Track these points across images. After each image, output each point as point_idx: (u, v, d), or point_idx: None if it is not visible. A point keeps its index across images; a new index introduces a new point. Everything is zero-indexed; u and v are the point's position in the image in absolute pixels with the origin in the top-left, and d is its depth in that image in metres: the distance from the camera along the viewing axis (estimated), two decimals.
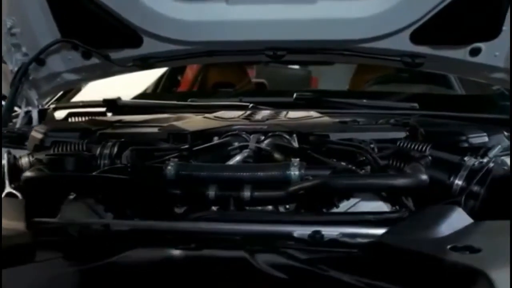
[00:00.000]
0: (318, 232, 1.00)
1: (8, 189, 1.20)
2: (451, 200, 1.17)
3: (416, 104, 2.27)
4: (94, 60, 2.20)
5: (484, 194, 1.19)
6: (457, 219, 0.97)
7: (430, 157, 1.31)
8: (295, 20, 1.99)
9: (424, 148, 1.36)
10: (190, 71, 4.19)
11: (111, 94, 2.48)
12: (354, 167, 1.26)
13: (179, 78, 4.15)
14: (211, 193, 1.15)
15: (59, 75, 2.31)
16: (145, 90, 3.74)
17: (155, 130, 1.57)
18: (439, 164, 1.30)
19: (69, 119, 2.32)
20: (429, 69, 2.20)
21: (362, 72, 3.42)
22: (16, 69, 2.15)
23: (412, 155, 1.32)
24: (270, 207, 1.20)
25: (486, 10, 1.90)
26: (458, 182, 1.23)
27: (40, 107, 2.42)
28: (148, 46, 2.11)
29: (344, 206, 1.18)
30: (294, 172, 1.16)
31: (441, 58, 2.06)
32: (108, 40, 2.13)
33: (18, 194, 1.19)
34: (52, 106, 2.53)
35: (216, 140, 1.48)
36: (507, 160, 1.49)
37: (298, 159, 1.22)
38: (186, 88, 4.05)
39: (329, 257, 0.94)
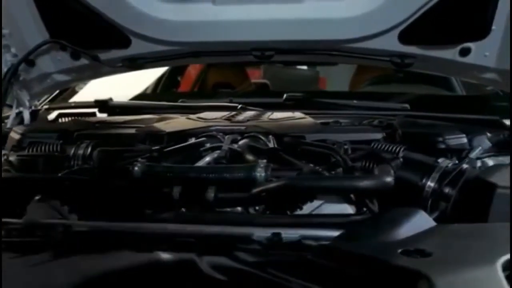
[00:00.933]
0: (277, 234, 0.98)
1: None
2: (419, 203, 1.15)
3: (407, 105, 2.25)
4: (83, 61, 2.21)
5: (456, 196, 1.16)
6: (418, 223, 0.95)
7: (401, 159, 1.29)
8: (282, 20, 1.98)
9: (397, 149, 1.35)
10: (193, 71, 4.20)
11: (113, 94, 2.51)
12: (321, 169, 1.24)
13: (178, 78, 4.15)
14: (176, 193, 1.15)
15: (49, 76, 2.31)
16: (145, 90, 3.76)
17: (133, 131, 1.56)
18: (412, 166, 1.28)
19: (59, 120, 2.33)
20: (419, 69, 2.17)
21: (361, 73, 3.41)
22: (5, 70, 2.15)
23: (383, 156, 1.30)
24: (239, 209, 1.19)
25: (475, 10, 1.88)
26: (430, 184, 1.21)
27: (33, 107, 2.43)
28: (136, 47, 2.11)
29: (308, 208, 1.17)
30: (260, 173, 1.15)
31: (431, 58, 2.03)
32: (96, 41, 2.13)
33: None
34: (45, 106, 2.53)
35: (190, 141, 1.47)
36: (489, 161, 1.47)
37: (265, 161, 1.21)
38: (187, 88, 4.06)
39: (279, 260, 0.93)
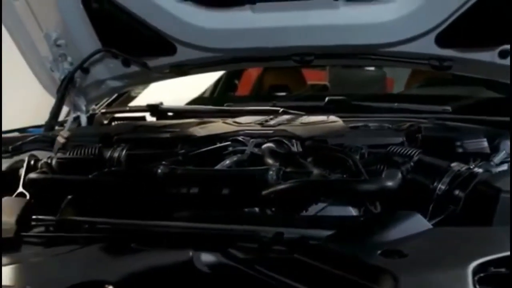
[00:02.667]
0: (280, 233, 1.05)
1: (20, 189, 1.34)
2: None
3: (448, 108, 2.23)
4: (134, 68, 2.33)
5: (465, 199, 1.18)
6: (413, 226, 0.98)
7: (412, 163, 1.33)
8: (319, 26, 2.03)
9: (412, 153, 1.37)
10: (253, 73, 4.27)
11: (172, 98, 2.64)
12: (333, 173, 1.30)
13: (236, 81, 4.23)
14: (194, 192, 1.24)
15: (104, 82, 2.45)
16: (203, 93, 3.87)
17: (168, 135, 1.66)
18: (425, 169, 1.31)
19: (112, 124, 2.48)
20: (458, 72, 2.17)
21: (415, 74, 3.38)
22: (63, 77, 2.32)
23: (394, 160, 1.34)
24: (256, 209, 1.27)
25: None
26: (441, 187, 1.23)
27: (90, 111, 2.59)
28: (182, 54, 2.21)
29: (313, 210, 1.23)
30: (271, 176, 1.22)
31: (469, 60, 2.03)
32: (144, 49, 2.26)
33: (27, 194, 1.33)
34: (102, 110, 2.69)
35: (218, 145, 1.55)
36: None
37: (277, 164, 1.28)
38: (246, 90, 4.13)
39: (269, 258, 0.99)
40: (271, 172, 1.22)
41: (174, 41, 2.18)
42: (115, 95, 2.84)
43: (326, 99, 2.36)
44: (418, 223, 1.00)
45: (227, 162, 1.40)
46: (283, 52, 2.18)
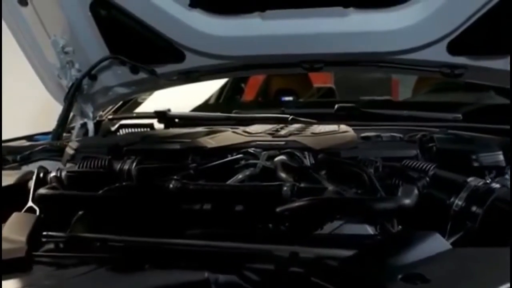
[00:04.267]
0: (295, 253, 1.03)
1: (30, 203, 1.32)
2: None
3: (459, 116, 2.21)
4: (142, 75, 2.32)
5: (483, 216, 1.16)
6: (432, 246, 0.96)
7: (428, 178, 1.30)
8: (328, 33, 2.01)
9: (427, 167, 1.35)
10: (259, 77, 4.25)
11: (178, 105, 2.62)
12: (345, 190, 1.27)
13: (242, 85, 4.21)
14: (205, 210, 1.22)
15: (111, 89, 2.44)
16: (209, 98, 3.85)
17: (178, 146, 1.64)
18: (441, 184, 1.28)
19: (120, 131, 2.46)
20: (470, 79, 2.15)
21: (423, 79, 3.35)
22: (71, 84, 2.31)
23: (410, 175, 1.32)
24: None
25: None
26: (458, 202, 1.21)
27: (97, 118, 2.58)
28: (190, 61, 2.20)
29: (329, 228, 1.20)
30: (286, 193, 1.20)
31: (481, 68, 2.00)
32: (153, 56, 2.24)
33: (37, 209, 1.31)
34: (109, 117, 2.67)
35: (229, 157, 1.53)
36: None
37: (291, 180, 1.26)
38: (252, 95, 4.11)
39: (286, 281, 0.97)
40: (285, 188, 1.19)
41: (183, 48, 2.16)
42: (122, 101, 2.82)
43: (336, 106, 2.34)
44: (438, 244, 0.97)
45: (240, 176, 1.38)
46: (292, 59, 2.16)
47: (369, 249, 1.01)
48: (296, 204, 1.14)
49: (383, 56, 2.07)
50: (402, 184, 1.28)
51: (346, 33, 2.00)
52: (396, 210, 1.11)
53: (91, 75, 2.30)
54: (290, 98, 3.74)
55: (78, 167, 1.53)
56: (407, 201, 1.12)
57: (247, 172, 1.39)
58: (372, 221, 1.18)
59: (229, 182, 1.35)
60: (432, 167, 1.34)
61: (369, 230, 1.18)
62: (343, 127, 1.86)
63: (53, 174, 1.48)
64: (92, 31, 2.19)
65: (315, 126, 1.95)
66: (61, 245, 1.21)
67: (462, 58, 2.00)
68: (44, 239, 1.20)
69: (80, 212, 1.29)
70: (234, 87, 4.02)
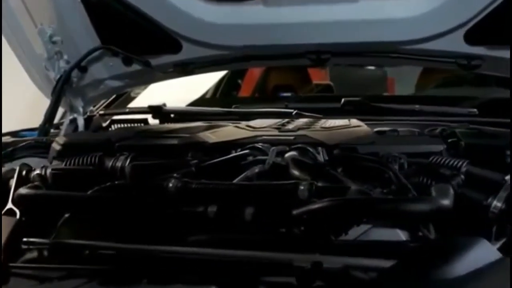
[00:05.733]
0: (318, 263, 0.88)
1: (9, 205, 1.16)
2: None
3: (475, 110, 2.08)
4: (136, 67, 2.17)
5: None
6: (480, 255, 0.82)
7: (462, 176, 1.16)
8: (337, 21, 1.88)
9: (459, 164, 1.21)
10: (256, 73, 4.13)
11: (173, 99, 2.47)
12: (369, 189, 1.13)
13: (239, 81, 4.09)
14: (211, 213, 1.06)
15: (103, 82, 2.30)
16: (205, 94, 3.72)
17: (176, 141, 1.49)
18: (476, 183, 1.14)
19: (112, 127, 2.31)
20: (487, 71, 2.01)
21: (428, 73, 3.23)
22: (59, 76, 2.16)
23: (442, 173, 1.17)
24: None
25: None
26: (497, 204, 1.06)
27: (88, 113, 2.43)
28: (187, 52, 2.06)
29: (354, 233, 1.05)
30: (303, 193, 1.05)
31: (501, 59, 1.87)
32: (147, 46, 2.10)
33: (17, 211, 1.15)
34: (100, 112, 2.52)
35: (233, 153, 1.38)
36: None
37: (308, 178, 1.10)
38: (248, 91, 3.99)
39: None
40: (302, 187, 1.04)
41: (179, 37, 2.02)
42: (114, 96, 2.67)
43: (343, 100, 2.19)
44: (485, 252, 0.83)
45: (248, 174, 1.22)
46: (298, 49, 2.03)
47: (408, 260, 0.86)
48: (317, 205, 0.99)
49: (395, 46, 1.94)
50: (432, 183, 1.13)
51: (355, 21, 1.87)
52: (434, 212, 0.96)
53: (80, 66, 2.15)
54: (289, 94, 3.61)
55: (65, 164, 1.38)
56: (445, 202, 0.97)
57: (256, 169, 1.23)
58: (405, 225, 1.03)
59: (236, 180, 1.20)
60: (464, 164, 1.19)
61: (401, 235, 1.04)
62: (354, 121, 1.72)
63: (36, 172, 1.33)
64: (82, 19, 2.04)
65: (323, 120, 1.80)
66: (45, 254, 1.05)
67: (480, 48, 1.88)
68: (24, 247, 1.04)
69: (67, 215, 1.12)
70: (230, 83, 3.90)
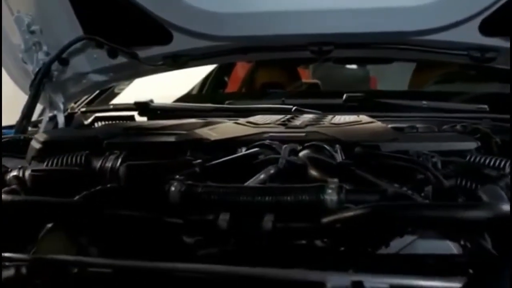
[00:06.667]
0: (359, 284, 0.73)
1: None
2: None
3: (485, 106, 1.96)
4: (121, 59, 2.03)
5: None
6: None
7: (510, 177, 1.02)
8: (341, 9, 1.74)
9: (502, 164, 1.07)
10: (241, 71, 4.01)
11: (157, 96, 2.32)
12: (409, 191, 0.98)
13: (226, 79, 3.96)
14: (223, 222, 0.90)
15: (85, 76, 2.14)
16: (191, 91, 3.58)
17: (172, 138, 1.33)
18: None
19: (95, 124, 2.15)
20: (501, 65, 1.88)
21: (423, 70, 3.12)
22: (37, 69, 1.98)
23: (487, 173, 1.03)
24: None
25: None
26: None
27: (69, 110, 2.26)
28: (178, 43, 1.92)
29: (397, 245, 0.90)
30: (331, 197, 0.89)
31: None
32: (134, 37, 1.96)
33: None
34: (82, 109, 2.35)
35: (240, 152, 1.23)
36: None
37: (336, 180, 0.95)
38: (234, 89, 3.87)
39: None
40: (329, 191, 0.89)
41: (170, 27, 1.87)
42: (97, 91, 2.50)
43: (345, 96, 2.06)
44: None
45: (262, 176, 1.06)
46: (298, 40, 1.89)
47: (479, 279, 0.71)
48: (352, 212, 0.84)
49: (405, 36, 1.80)
50: (476, 186, 0.99)
51: (361, 10, 1.74)
52: (494, 220, 0.81)
53: (61, 59, 1.97)
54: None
55: (46, 165, 1.20)
56: (505, 208, 0.82)
57: (271, 170, 1.07)
58: (457, 235, 0.88)
59: (250, 183, 1.04)
60: (508, 164, 1.05)
61: (452, 248, 0.88)
62: (365, 117, 1.57)
63: (13, 173, 1.16)
64: (63, 6, 1.88)
65: (330, 116, 1.66)
66: (23, 271, 0.88)
67: (495, 40, 1.76)
68: None
69: (50, 225, 0.95)
70: (217, 80, 3.77)
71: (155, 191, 0.98)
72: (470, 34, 1.74)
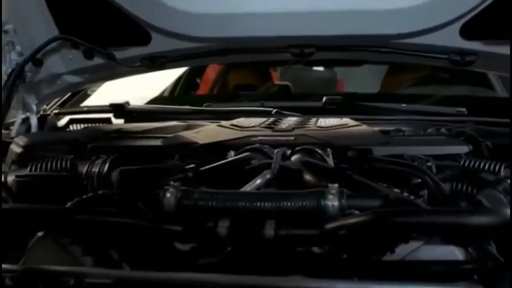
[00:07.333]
0: None
1: None
2: None
3: (464, 109, 1.98)
4: (98, 60, 1.97)
5: None
6: None
7: (508, 181, 1.02)
8: (323, 11, 1.72)
9: (497, 168, 1.07)
10: (212, 72, 3.97)
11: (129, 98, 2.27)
12: (411, 196, 0.97)
13: (198, 80, 3.92)
14: (222, 230, 0.87)
15: (60, 77, 2.08)
16: (162, 93, 3.53)
17: (158, 142, 1.30)
18: None
19: (70, 127, 2.09)
20: (479, 68, 1.90)
21: (396, 73, 3.14)
22: (10, 70, 1.91)
23: (484, 178, 1.03)
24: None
25: None
26: None
27: (41, 112, 2.20)
28: (157, 44, 1.88)
29: (402, 251, 0.89)
30: (332, 202, 0.88)
31: (496, 55, 1.77)
32: (112, 37, 1.91)
33: None
34: (55, 111, 2.29)
35: (231, 156, 1.20)
36: None
37: (336, 185, 0.93)
38: (205, 91, 3.83)
39: None
40: (330, 196, 0.87)
41: (148, 27, 1.83)
42: (68, 94, 2.44)
43: (324, 98, 2.05)
44: None
45: (259, 181, 1.04)
46: (279, 42, 1.87)
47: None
48: (357, 219, 0.82)
49: (386, 39, 1.80)
50: (473, 190, 0.99)
51: (344, 12, 1.73)
52: (500, 225, 0.80)
53: (35, 59, 1.91)
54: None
55: (30, 170, 1.16)
56: (508, 213, 0.81)
57: (267, 175, 1.05)
58: (462, 241, 0.87)
59: (247, 188, 1.01)
60: (502, 167, 1.05)
61: (457, 253, 0.87)
62: (349, 120, 1.57)
63: None
64: (38, 5, 1.84)
65: (313, 120, 1.64)
66: (9, 283, 0.83)
67: (476, 43, 1.77)
68: None
69: (40, 234, 0.91)
70: (189, 82, 3.72)
71: (149, 197, 0.94)
72: (451, 38, 1.75)
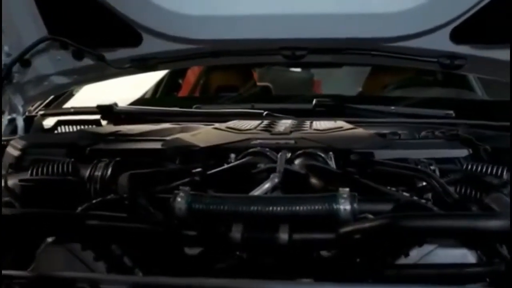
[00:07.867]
0: None
1: None
2: None
3: (451, 112, 2.01)
4: (87, 61, 1.95)
5: None
6: None
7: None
8: (315, 14, 1.73)
9: (500, 171, 1.08)
10: (192, 74, 3.95)
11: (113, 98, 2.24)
12: (423, 200, 0.98)
13: (180, 81, 3.89)
14: (236, 235, 0.86)
15: (47, 78, 2.05)
16: (144, 95, 3.50)
17: (158, 145, 1.29)
18: None
19: (58, 128, 2.06)
20: (468, 71, 1.93)
21: (378, 75, 3.16)
22: None
23: (489, 182, 1.04)
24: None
25: None
26: None
27: (27, 113, 2.16)
28: (148, 45, 1.86)
29: (416, 255, 0.89)
30: (344, 206, 0.88)
31: (485, 59, 1.79)
32: (102, 38, 1.88)
33: None
34: (41, 112, 2.25)
35: (231, 159, 1.19)
36: None
37: (347, 189, 0.93)
38: (187, 92, 3.80)
39: None
40: (342, 200, 0.87)
41: (139, 29, 1.82)
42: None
43: (314, 101, 2.06)
44: None
45: (268, 185, 1.03)
46: (271, 45, 1.87)
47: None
48: (372, 223, 0.83)
49: (378, 42, 1.81)
50: (479, 194, 1.00)
51: (335, 15, 1.74)
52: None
53: (23, 60, 1.88)
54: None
55: (31, 174, 1.14)
56: None
57: (276, 179, 1.05)
58: (474, 244, 0.89)
59: (254, 192, 1.01)
60: (505, 171, 1.07)
61: (470, 257, 0.88)
62: (344, 123, 1.58)
63: None
64: (26, 5, 1.80)
65: (307, 122, 1.65)
66: None
67: (466, 47, 1.79)
68: None
69: (50, 239, 0.89)
70: (171, 83, 3.70)
71: (159, 202, 0.94)
72: (442, 42, 1.77)
